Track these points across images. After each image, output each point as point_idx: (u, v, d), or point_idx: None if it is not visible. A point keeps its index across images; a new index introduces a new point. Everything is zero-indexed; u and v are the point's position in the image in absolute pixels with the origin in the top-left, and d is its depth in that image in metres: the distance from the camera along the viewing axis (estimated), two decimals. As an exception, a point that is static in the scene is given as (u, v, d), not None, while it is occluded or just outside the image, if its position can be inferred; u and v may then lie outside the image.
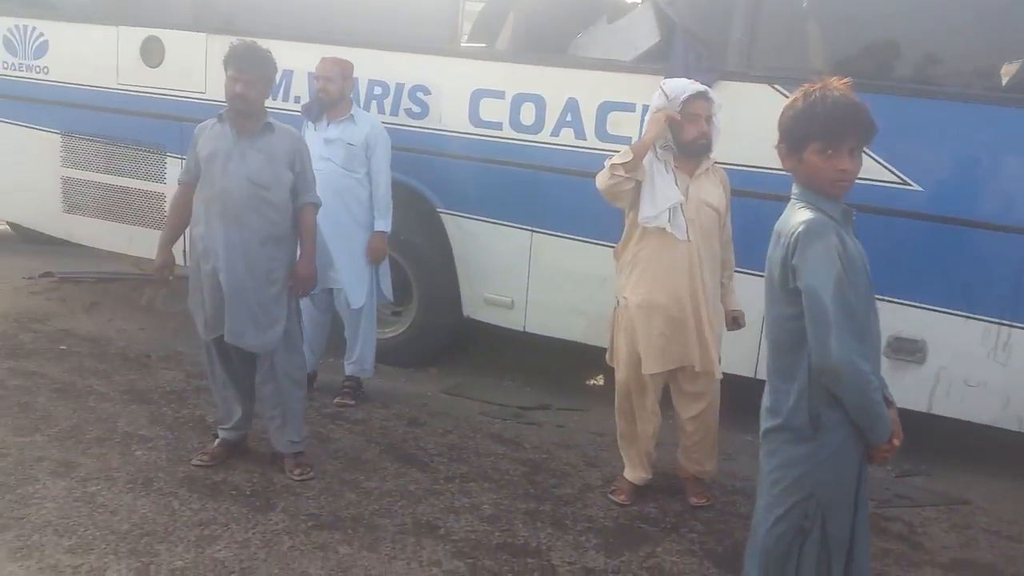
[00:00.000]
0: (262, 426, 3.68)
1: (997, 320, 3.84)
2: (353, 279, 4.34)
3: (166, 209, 5.33)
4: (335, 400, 4.36)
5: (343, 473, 3.55)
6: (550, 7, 4.69)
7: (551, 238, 4.59)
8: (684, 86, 3.23)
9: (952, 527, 3.47)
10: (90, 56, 5.51)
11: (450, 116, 4.69)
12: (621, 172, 3.14)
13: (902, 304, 3.96)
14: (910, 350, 4.00)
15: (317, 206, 3.59)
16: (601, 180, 3.24)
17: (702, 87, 3.26)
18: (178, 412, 4.09)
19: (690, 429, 3.39)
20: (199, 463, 3.50)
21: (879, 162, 3.85)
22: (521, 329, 4.78)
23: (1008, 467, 4.09)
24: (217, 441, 3.60)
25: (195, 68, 5.24)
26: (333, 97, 4.34)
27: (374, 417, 4.25)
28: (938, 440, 4.13)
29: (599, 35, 4.60)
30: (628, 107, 4.31)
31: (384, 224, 4.35)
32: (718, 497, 3.54)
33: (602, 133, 4.39)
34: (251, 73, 3.36)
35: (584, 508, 3.39)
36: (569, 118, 4.44)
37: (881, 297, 3.87)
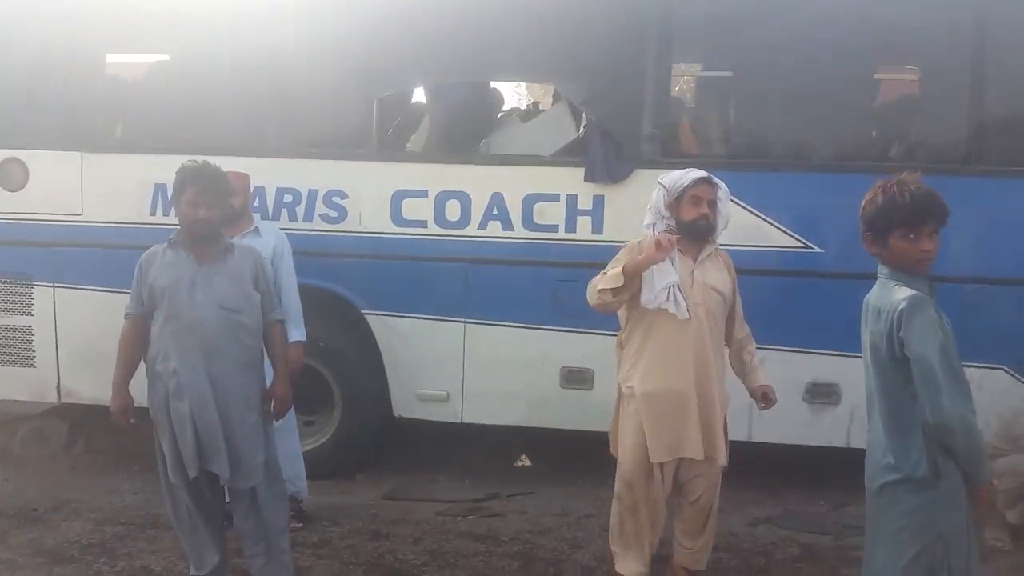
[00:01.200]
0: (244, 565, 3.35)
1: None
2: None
3: (32, 344, 4.84)
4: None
5: (343, 601, 3.31)
6: (463, 110, 4.86)
7: (485, 327, 4.65)
8: (681, 175, 3.24)
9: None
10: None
11: (370, 217, 4.66)
12: (609, 297, 3.14)
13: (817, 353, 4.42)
14: (826, 393, 4.46)
15: (283, 322, 3.42)
16: (590, 298, 3.24)
17: (703, 173, 3.25)
18: (115, 566, 3.61)
19: (689, 514, 3.32)
20: None
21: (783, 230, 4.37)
22: (458, 421, 4.75)
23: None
24: None
25: (68, 189, 4.81)
26: (238, 211, 4.18)
27: (332, 536, 4.00)
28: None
29: (513, 133, 4.84)
30: (553, 197, 4.55)
31: (300, 333, 4.14)
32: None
33: (528, 223, 4.57)
34: (213, 196, 3.19)
35: (598, 591, 3.40)
36: (495, 211, 4.59)
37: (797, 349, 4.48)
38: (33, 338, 4.89)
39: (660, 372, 3.18)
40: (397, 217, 4.65)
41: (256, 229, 4.16)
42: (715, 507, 3.33)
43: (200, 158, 3.33)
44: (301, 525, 4.07)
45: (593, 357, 4.57)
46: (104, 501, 4.51)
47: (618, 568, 3.32)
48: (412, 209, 4.64)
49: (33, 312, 4.87)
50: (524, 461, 5.37)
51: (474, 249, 4.60)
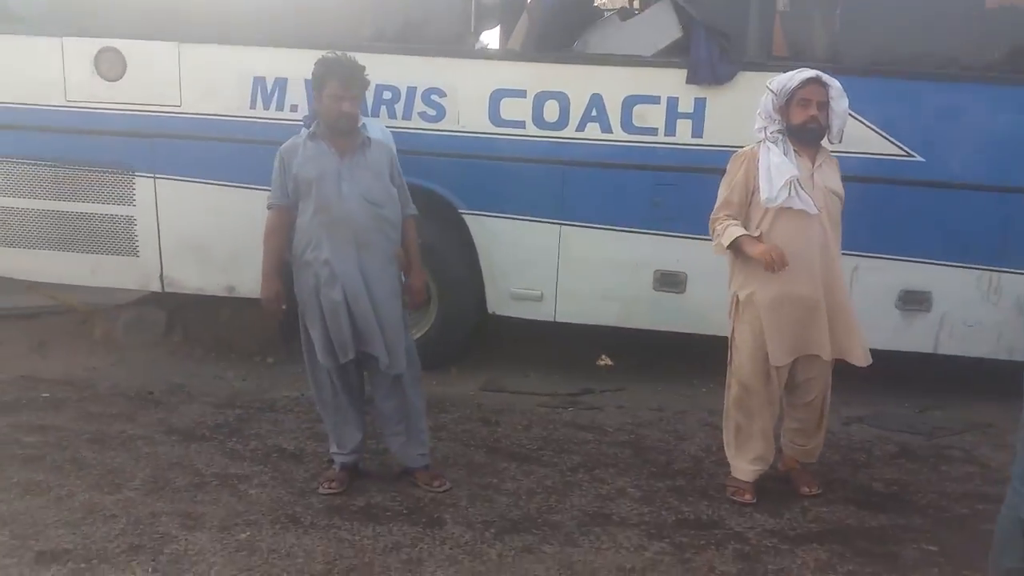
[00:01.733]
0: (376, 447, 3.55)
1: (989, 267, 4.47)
2: None
3: (136, 234, 4.96)
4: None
5: (472, 479, 3.51)
6: (562, 7, 4.78)
7: (580, 229, 4.73)
8: (789, 76, 3.18)
9: (996, 446, 4.03)
10: (28, 72, 4.91)
11: (469, 117, 4.68)
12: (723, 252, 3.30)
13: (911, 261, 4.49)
14: (918, 300, 4.55)
15: (416, 217, 3.51)
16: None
17: (812, 73, 3.18)
18: (247, 445, 3.83)
19: (804, 414, 3.37)
20: (328, 491, 3.33)
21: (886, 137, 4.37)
22: (551, 320, 4.89)
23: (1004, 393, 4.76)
24: (337, 467, 3.43)
25: (166, 80, 4.83)
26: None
27: (446, 422, 4.19)
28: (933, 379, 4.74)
29: (612, 32, 4.77)
30: (653, 99, 4.54)
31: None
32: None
33: (628, 126, 4.58)
34: (355, 88, 3.25)
35: (712, 479, 3.59)
36: (594, 113, 4.60)
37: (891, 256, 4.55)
38: (136, 228, 5.01)
39: (785, 275, 3.12)
40: (495, 117, 4.66)
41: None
42: (828, 405, 3.41)
43: (340, 52, 3.36)
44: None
45: (687, 261, 4.67)
46: (214, 386, 4.72)
47: (735, 473, 3.41)
48: (510, 109, 4.64)
49: (135, 202, 4.97)
50: (605, 361, 5.52)
51: (572, 151, 4.62)
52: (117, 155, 4.93)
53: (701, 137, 4.55)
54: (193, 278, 5.08)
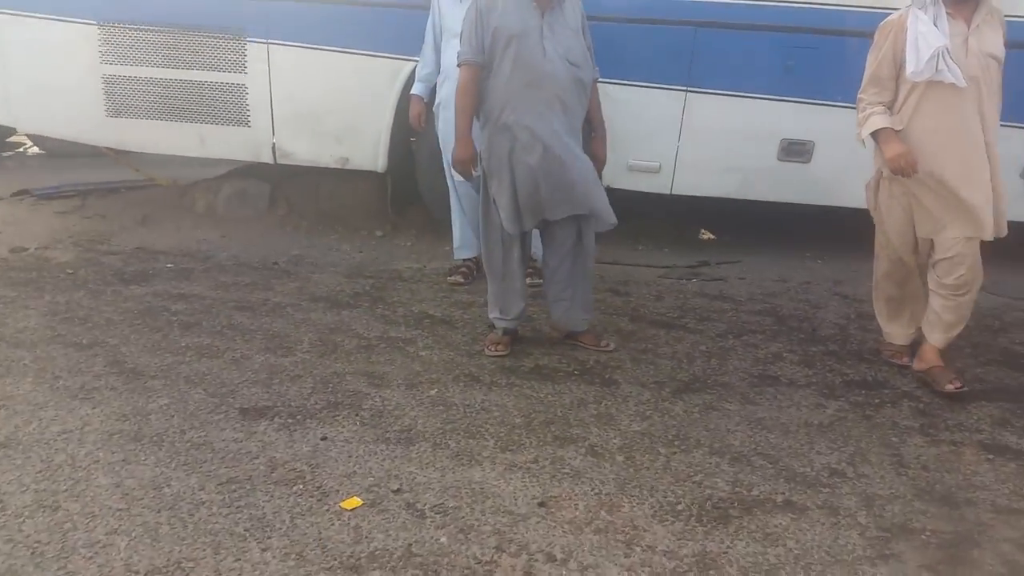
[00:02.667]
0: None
1: None
2: None
3: (248, 103, 4.87)
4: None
5: (628, 345, 3.58)
6: None
7: (707, 96, 4.62)
8: None
9: None
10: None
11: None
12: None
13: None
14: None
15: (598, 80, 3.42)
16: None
17: None
18: (394, 312, 3.90)
19: (949, 293, 3.15)
20: (495, 353, 3.41)
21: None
22: (668, 192, 4.86)
23: None
24: (501, 331, 3.50)
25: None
26: None
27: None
28: None
29: None
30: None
31: None
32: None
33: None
34: None
35: (863, 344, 3.65)
36: (727, -29, 4.41)
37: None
38: (247, 97, 4.93)
39: (936, 152, 2.99)
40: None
41: None
42: (976, 287, 3.17)
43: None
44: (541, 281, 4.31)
45: (815, 129, 4.59)
46: (335, 258, 4.78)
47: (890, 339, 3.45)
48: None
49: (247, 70, 4.87)
50: (707, 234, 5.53)
51: (701, 11, 4.46)
52: (228, 19, 4.81)
53: (834, -2, 4.39)
54: (306, 149, 5.05)
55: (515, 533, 2.23)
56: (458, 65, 3.22)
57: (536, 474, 2.53)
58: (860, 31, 4.36)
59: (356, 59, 4.80)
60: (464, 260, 4.42)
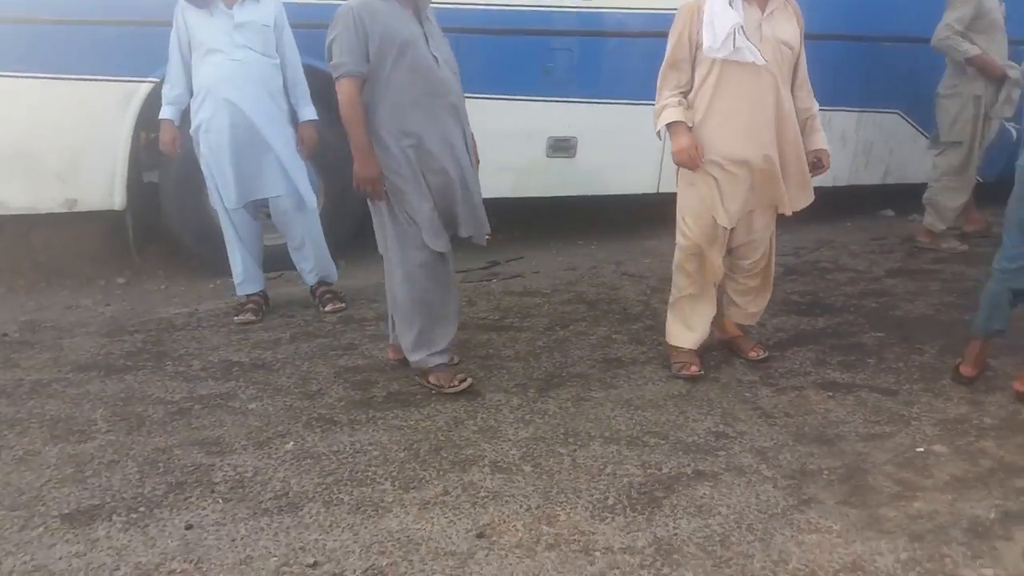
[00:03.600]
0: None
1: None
2: (301, 178, 3.89)
3: None
4: (326, 308, 3.96)
5: (470, 353, 3.44)
6: None
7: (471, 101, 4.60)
8: None
9: (849, 255, 4.78)
10: None
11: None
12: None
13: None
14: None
15: None
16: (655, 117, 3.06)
17: None
18: (189, 366, 3.38)
19: (747, 276, 3.24)
20: (459, 387, 3.06)
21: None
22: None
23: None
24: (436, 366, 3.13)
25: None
26: None
27: (373, 310, 3.99)
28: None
29: None
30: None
31: (312, 111, 3.92)
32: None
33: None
34: None
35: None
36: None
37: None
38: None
39: (735, 135, 2.95)
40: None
41: None
42: (773, 264, 3.28)
43: None
44: (344, 305, 4.01)
45: (577, 126, 4.81)
46: (80, 316, 4.02)
47: (677, 342, 3.24)
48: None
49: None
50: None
51: (462, 18, 4.44)
52: None
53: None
54: (20, 195, 4.20)
55: (469, 574, 2.01)
56: (337, 77, 2.84)
57: (455, 506, 2.32)
58: (615, 31, 4.72)
59: (78, 85, 4.08)
60: (249, 296, 3.97)
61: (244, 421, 2.87)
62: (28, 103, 4.04)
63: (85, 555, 2.11)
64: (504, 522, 2.23)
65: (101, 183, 4.25)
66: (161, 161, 4.29)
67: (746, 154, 2.97)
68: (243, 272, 3.93)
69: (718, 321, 3.38)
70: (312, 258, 4.00)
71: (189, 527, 2.24)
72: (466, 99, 4.41)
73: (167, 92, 3.79)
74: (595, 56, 4.81)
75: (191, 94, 3.75)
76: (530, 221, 5.37)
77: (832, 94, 4.88)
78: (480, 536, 2.16)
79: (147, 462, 2.60)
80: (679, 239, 3.16)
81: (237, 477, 2.51)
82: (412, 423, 2.83)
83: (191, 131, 3.78)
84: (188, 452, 2.66)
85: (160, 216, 4.53)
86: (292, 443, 2.71)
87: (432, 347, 3.06)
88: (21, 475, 2.52)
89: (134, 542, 2.17)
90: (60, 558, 2.10)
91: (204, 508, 2.34)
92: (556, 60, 4.73)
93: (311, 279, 4.05)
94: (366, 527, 2.22)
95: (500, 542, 2.14)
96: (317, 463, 2.58)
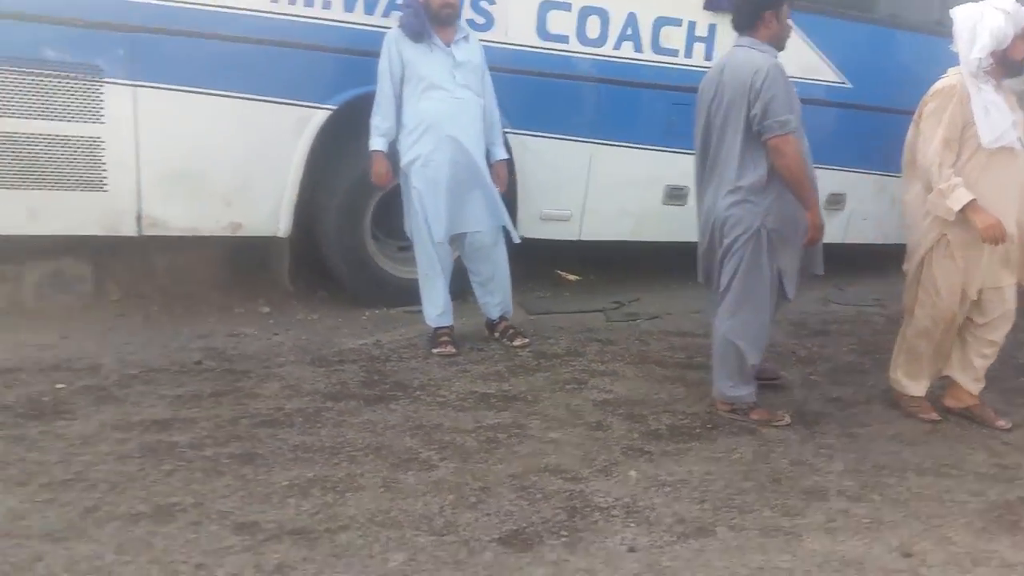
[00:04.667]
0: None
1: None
2: (505, 214, 4.02)
3: (104, 161, 3.79)
4: (515, 343, 4.04)
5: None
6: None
7: (609, 148, 4.87)
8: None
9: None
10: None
11: (517, 29, 4.45)
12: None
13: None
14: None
15: None
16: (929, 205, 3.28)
17: None
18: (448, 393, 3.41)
19: (989, 348, 3.41)
20: None
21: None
22: (576, 239, 4.99)
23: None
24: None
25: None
26: (457, 11, 3.85)
27: (558, 345, 4.13)
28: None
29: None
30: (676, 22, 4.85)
31: (504, 152, 4.11)
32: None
33: (655, 47, 4.83)
34: None
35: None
36: (629, 32, 4.74)
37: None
38: (103, 153, 3.77)
39: (1000, 210, 3.15)
40: (542, 30, 4.52)
41: (467, 35, 3.91)
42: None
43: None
44: (528, 340, 4.11)
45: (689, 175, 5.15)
46: (259, 346, 3.91)
47: (913, 392, 3.47)
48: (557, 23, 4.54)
49: (103, 119, 3.72)
50: (569, 275, 5.65)
51: (608, 70, 4.71)
52: (77, 53, 3.63)
53: (711, 60, 4.99)
54: (184, 216, 4.03)
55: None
56: (784, 134, 3.03)
57: (853, 530, 2.54)
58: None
59: (253, 105, 4.00)
60: (444, 328, 3.99)
61: (563, 450, 2.95)
62: (201, 121, 3.92)
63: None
64: (914, 542, 2.47)
65: (267, 209, 4.16)
66: (322, 192, 4.28)
67: (1010, 229, 3.20)
68: (443, 304, 3.96)
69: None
70: (499, 292, 4.09)
71: (631, 550, 2.34)
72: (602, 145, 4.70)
73: (379, 124, 3.81)
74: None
75: (405, 127, 3.80)
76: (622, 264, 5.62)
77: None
78: (907, 555, 2.40)
79: (515, 489, 2.64)
80: (918, 312, 3.38)
81: (614, 503, 2.61)
82: (720, 455, 3.02)
83: (403, 165, 3.82)
84: (544, 478, 2.72)
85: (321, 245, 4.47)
86: (634, 471, 2.83)
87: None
88: (407, 502, 2.51)
89: (583, 560, 2.26)
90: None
91: (621, 532, 2.43)
92: (677, 114, 5.05)
93: (495, 312, 4.13)
94: (791, 549, 2.40)
95: (927, 560, 2.38)
96: (675, 490, 2.72)
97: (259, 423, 3.04)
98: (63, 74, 3.60)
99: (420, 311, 4.28)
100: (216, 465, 2.70)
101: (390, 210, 4.39)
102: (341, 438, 2.95)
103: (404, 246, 4.60)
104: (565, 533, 2.41)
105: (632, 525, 2.48)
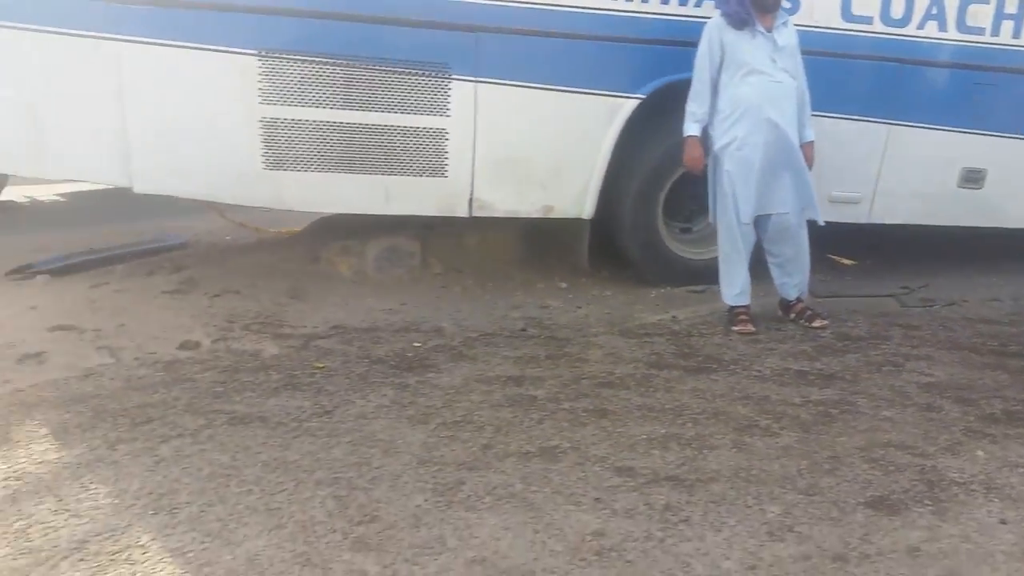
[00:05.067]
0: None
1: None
2: (814, 195, 4.09)
3: (447, 150, 4.20)
4: (815, 324, 4.11)
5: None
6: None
7: (906, 129, 4.78)
8: None
9: None
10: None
11: (823, 11, 4.48)
12: None
13: None
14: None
15: None
16: None
17: None
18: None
19: None
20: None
21: None
22: (864, 222, 4.94)
23: None
24: None
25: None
26: None
27: (859, 328, 4.15)
28: None
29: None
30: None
31: (812, 133, 4.14)
32: None
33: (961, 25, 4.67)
34: None
35: None
36: (934, 11, 4.61)
37: None
38: (448, 143, 4.24)
39: None
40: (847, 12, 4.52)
41: (787, 20, 3.98)
42: None
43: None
44: (828, 321, 4.17)
45: (988, 158, 4.93)
46: (599, 312, 4.29)
47: None
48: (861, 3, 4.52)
49: (450, 112, 4.19)
50: (844, 260, 5.60)
51: (911, 50, 4.62)
52: (430, 53, 4.11)
53: (1019, 38, 4.75)
54: (507, 199, 4.45)
55: None
56: None
57: None
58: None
59: (569, 97, 4.33)
60: (742, 307, 4.14)
61: (901, 428, 3.01)
62: (526, 112, 4.29)
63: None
64: None
65: (575, 193, 4.49)
66: (623, 176, 4.54)
67: None
68: (742, 284, 4.10)
69: None
70: (798, 273, 4.17)
71: (1003, 522, 2.39)
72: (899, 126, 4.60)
73: (695, 110, 4.00)
74: (1016, 92, 4.94)
75: (721, 112, 3.97)
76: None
77: None
78: None
79: (866, 460, 2.75)
80: None
81: (970, 479, 2.65)
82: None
83: (716, 149, 4.00)
84: (891, 452, 2.80)
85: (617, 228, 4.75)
86: (981, 451, 2.85)
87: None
88: (763, 463, 2.71)
89: (955, 527, 2.35)
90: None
91: (985, 505, 2.48)
92: (979, 94, 4.85)
93: (792, 293, 4.21)
94: None
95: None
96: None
97: (598, 384, 3.35)
98: (418, 72, 4.09)
99: (703, 291, 4.48)
100: (577, 417, 3.02)
101: (676, 195, 4.62)
102: (677, 402, 3.19)
103: (686, 228, 4.84)
104: (929, 502, 2.50)
105: (996, 500, 2.52)
